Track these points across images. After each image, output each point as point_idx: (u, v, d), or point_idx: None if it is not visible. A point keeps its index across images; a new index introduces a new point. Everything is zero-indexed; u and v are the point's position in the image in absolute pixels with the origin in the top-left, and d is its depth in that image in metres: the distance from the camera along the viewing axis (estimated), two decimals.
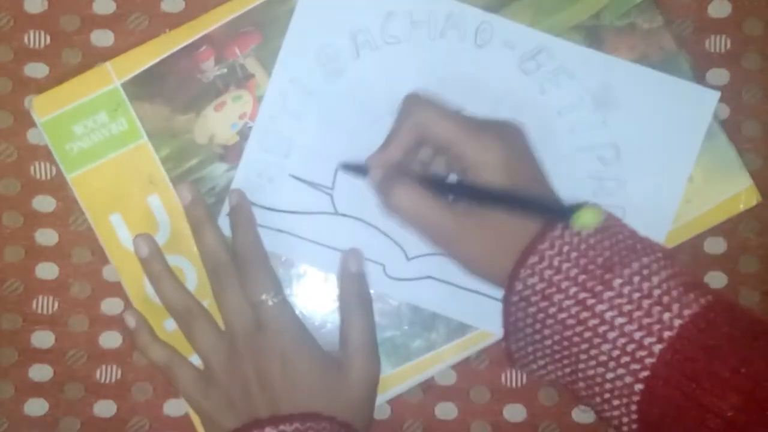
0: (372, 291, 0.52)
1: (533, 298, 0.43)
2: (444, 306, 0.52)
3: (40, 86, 0.53)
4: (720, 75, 0.54)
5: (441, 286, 0.52)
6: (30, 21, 0.54)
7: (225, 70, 0.53)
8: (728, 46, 0.54)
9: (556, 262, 0.42)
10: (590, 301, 0.41)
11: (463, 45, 0.52)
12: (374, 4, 0.52)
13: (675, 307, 0.40)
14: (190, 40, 0.52)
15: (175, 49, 0.52)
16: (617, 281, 0.41)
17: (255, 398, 0.47)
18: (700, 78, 0.54)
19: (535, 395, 0.54)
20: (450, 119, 0.46)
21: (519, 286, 0.43)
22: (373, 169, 0.48)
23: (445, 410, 0.54)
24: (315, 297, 0.53)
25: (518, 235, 0.44)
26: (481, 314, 0.52)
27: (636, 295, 0.41)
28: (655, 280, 0.41)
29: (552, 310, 0.42)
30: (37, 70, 0.54)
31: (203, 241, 0.50)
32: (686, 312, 0.40)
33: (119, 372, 0.54)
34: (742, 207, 0.53)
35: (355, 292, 0.51)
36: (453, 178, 0.49)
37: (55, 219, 0.54)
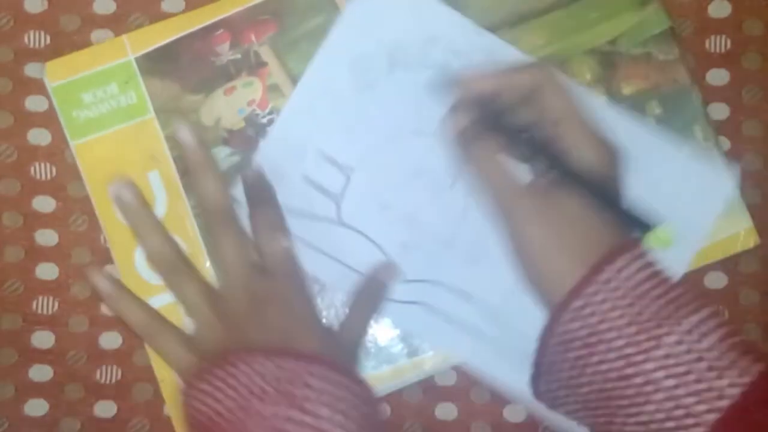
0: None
1: (574, 344, 0.41)
2: (429, 335, 0.52)
3: (40, 86, 0.53)
4: (720, 75, 0.54)
5: (429, 315, 0.51)
6: (30, 21, 0.54)
7: (239, 56, 0.53)
8: (728, 46, 0.54)
9: (602, 309, 0.40)
10: (637, 358, 0.39)
11: None
12: (418, 25, 0.52)
13: (729, 374, 0.38)
14: (208, 22, 0.53)
15: (192, 30, 0.53)
16: (669, 339, 0.39)
17: (248, 334, 0.44)
18: (700, 78, 0.54)
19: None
20: (574, 105, 0.45)
21: (559, 329, 0.42)
22: (459, 97, 0.47)
23: (445, 410, 0.54)
24: None
25: (584, 243, 0.42)
26: (466, 350, 0.51)
27: (687, 357, 0.39)
28: (707, 342, 0.39)
29: (594, 359, 0.40)
30: (37, 70, 0.54)
31: (204, 186, 0.48)
32: (741, 381, 0.38)
33: (119, 372, 0.54)
34: (740, 248, 0.52)
35: (370, 293, 0.50)
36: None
37: (55, 219, 0.54)
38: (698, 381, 0.38)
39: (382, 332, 0.53)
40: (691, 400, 0.38)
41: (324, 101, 0.52)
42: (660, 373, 0.39)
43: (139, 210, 0.48)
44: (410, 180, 0.52)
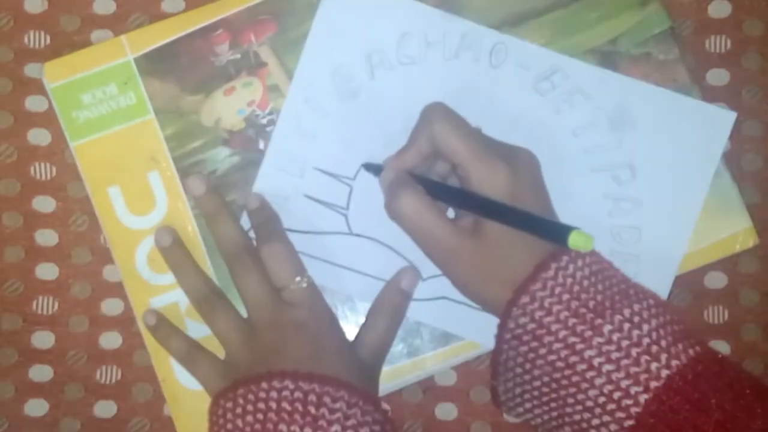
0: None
1: (524, 338, 0.43)
2: (458, 326, 0.52)
3: (40, 86, 0.53)
4: (720, 75, 0.54)
5: (455, 306, 0.51)
6: (30, 21, 0.54)
7: (238, 56, 0.53)
8: (728, 46, 0.54)
9: (547, 304, 0.42)
10: (579, 346, 0.42)
11: (477, 66, 0.52)
12: (389, 24, 0.52)
13: (663, 357, 0.41)
14: (207, 22, 0.53)
15: (191, 30, 0.53)
16: (607, 327, 0.41)
17: (275, 362, 0.46)
18: (700, 78, 0.54)
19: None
20: (462, 138, 0.45)
21: (511, 324, 0.43)
22: (386, 170, 0.48)
23: (445, 411, 0.54)
24: None
25: (513, 267, 0.44)
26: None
27: (625, 343, 0.41)
28: (645, 328, 0.41)
29: (542, 351, 0.43)
30: (36, 70, 0.54)
31: (221, 230, 0.50)
32: (674, 363, 0.40)
33: (119, 372, 0.54)
34: (738, 248, 0.52)
35: (393, 303, 0.51)
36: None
37: (55, 219, 0.54)
38: (635, 364, 0.41)
39: None
40: (627, 382, 0.40)
41: (312, 117, 0.52)
42: (600, 359, 0.41)
43: (175, 250, 0.51)
44: None
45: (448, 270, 0.47)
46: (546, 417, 0.45)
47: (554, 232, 0.42)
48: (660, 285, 0.51)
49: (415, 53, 0.52)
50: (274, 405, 0.44)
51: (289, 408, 0.43)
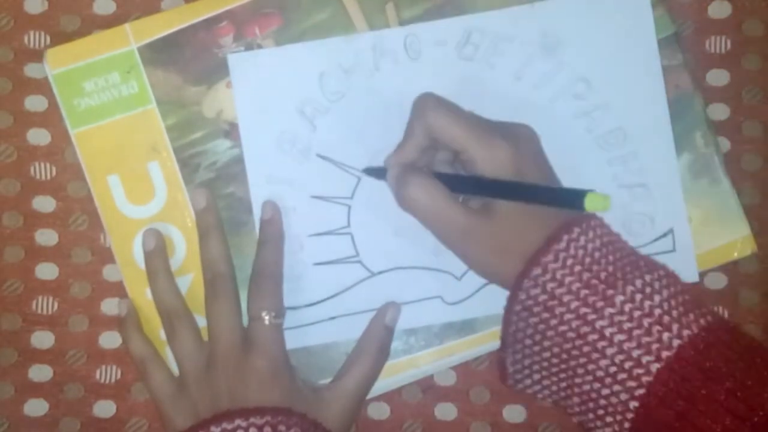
0: (438, 322, 0.52)
1: (535, 309, 0.43)
2: None
3: (40, 86, 0.53)
4: (720, 76, 0.54)
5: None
6: (30, 21, 0.54)
7: (242, 49, 0.53)
8: (728, 46, 0.54)
9: (558, 275, 0.42)
10: (591, 317, 0.41)
11: (399, 66, 0.52)
12: (302, 72, 0.52)
13: (674, 327, 0.40)
14: (212, 14, 0.52)
15: (196, 20, 0.52)
16: (619, 298, 0.41)
17: (222, 407, 0.47)
18: (700, 80, 0.54)
19: (535, 396, 0.54)
20: (459, 124, 0.45)
21: (522, 296, 0.43)
22: (391, 167, 0.48)
23: (445, 411, 0.54)
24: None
25: (526, 241, 0.44)
26: None
27: (637, 313, 0.41)
28: (657, 298, 0.41)
29: (553, 321, 0.42)
30: (37, 70, 0.54)
31: (207, 249, 0.51)
32: (685, 332, 0.40)
33: (119, 372, 0.54)
34: (736, 255, 0.52)
35: (380, 341, 0.51)
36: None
37: (55, 219, 0.54)
38: (646, 334, 0.41)
39: None
40: (639, 352, 0.40)
41: (280, 189, 0.52)
42: (611, 329, 0.41)
43: (157, 255, 0.51)
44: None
45: (461, 250, 0.46)
46: (555, 388, 0.45)
47: (568, 199, 0.41)
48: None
49: (339, 86, 0.52)
50: None
51: None
